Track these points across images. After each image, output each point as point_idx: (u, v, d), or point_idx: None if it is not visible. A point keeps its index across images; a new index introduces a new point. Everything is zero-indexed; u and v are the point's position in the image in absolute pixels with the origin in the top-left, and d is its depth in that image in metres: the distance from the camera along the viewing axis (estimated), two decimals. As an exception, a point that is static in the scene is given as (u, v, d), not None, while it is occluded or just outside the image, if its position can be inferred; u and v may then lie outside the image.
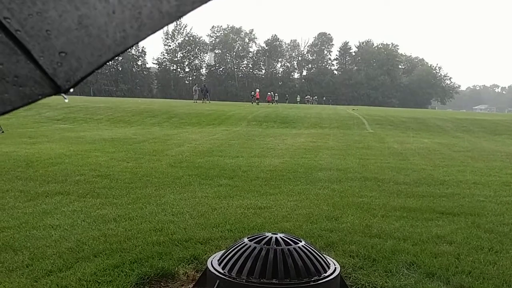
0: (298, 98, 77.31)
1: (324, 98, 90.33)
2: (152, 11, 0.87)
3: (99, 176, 7.51)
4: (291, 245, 2.87)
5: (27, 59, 0.91)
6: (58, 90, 0.97)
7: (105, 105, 29.63)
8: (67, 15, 0.87)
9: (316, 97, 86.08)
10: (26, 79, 0.95)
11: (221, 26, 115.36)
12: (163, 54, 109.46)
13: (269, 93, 56.49)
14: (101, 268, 3.56)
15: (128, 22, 0.88)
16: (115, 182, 7.06)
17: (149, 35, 0.90)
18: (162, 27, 0.90)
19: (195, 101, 46.44)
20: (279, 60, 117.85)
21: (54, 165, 8.49)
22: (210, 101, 47.31)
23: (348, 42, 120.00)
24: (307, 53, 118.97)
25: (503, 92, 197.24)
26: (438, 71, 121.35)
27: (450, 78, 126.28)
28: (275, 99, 61.05)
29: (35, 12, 0.85)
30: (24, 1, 0.84)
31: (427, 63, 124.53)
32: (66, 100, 1.10)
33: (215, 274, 2.79)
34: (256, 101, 49.99)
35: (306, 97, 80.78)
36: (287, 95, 77.78)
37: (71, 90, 0.99)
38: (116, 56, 0.93)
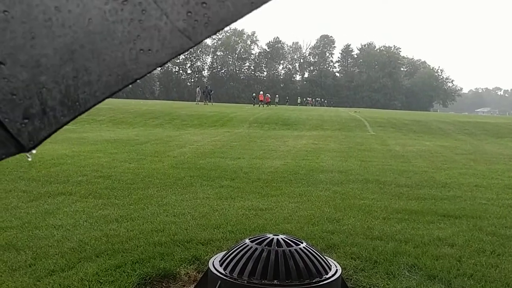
0: (299, 100, 77.18)
1: (326, 100, 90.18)
2: (111, 74, 0.94)
3: (101, 177, 7.53)
4: (292, 246, 2.87)
5: None
6: (22, 149, 0.99)
7: (107, 106, 29.66)
8: (31, 81, 0.90)
9: (318, 99, 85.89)
10: None
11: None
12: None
13: (267, 94, 56.05)
14: (103, 268, 3.57)
15: (88, 85, 0.93)
16: (117, 183, 7.07)
17: (108, 96, 0.97)
18: (120, 88, 0.97)
19: (197, 102, 46.49)
20: (281, 62, 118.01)
21: (57, 166, 8.51)
22: (213, 103, 47.29)
23: (350, 45, 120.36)
24: (309, 55, 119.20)
25: (506, 95, 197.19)
26: (440, 74, 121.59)
27: (452, 81, 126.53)
28: (276, 101, 60.65)
29: (2, 77, 0.88)
30: None
31: (429, 65, 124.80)
32: (30, 159, 1.12)
33: (217, 275, 2.79)
34: (260, 103, 49.89)
35: (305, 99, 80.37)
36: (287, 97, 77.37)
37: (34, 151, 1.02)
38: (79, 115, 0.97)
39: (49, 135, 0.99)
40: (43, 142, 1.01)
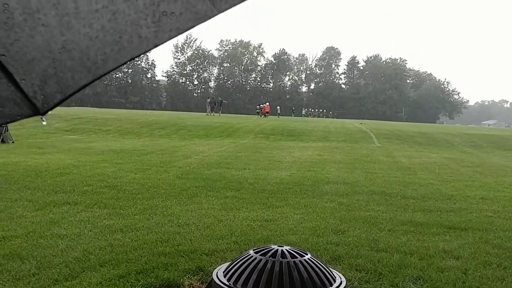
0: (304, 111, 76.89)
1: (331, 111, 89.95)
2: (132, 35, 0.89)
3: (107, 187, 7.55)
4: (297, 257, 2.86)
5: (9, 81, 0.93)
6: (37, 112, 0.99)
7: (114, 116, 29.84)
8: (52, 40, 0.89)
9: (321, 110, 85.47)
10: (7, 101, 0.97)
11: (229, 40, 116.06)
12: (173, 67, 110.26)
13: (266, 103, 55.22)
14: (107, 278, 3.57)
15: (109, 46, 0.90)
16: (122, 193, 7.09)
17: (128, 59, 0.92)
18: (141, 52, 0.92)
19: (207, 113, 46.61)
20: (287, 73, 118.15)
21: (62, 175, 8.55)
22: (220, 114, 47.25)
23: (356, 57, 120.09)
24: (315, 67, 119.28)
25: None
26: (446, 86, 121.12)
27: (458, 93, 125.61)
28: (278, 112, 59.06)
29: (22, 38, 0.88)
30: (12, 27, 0.86)
31: (435, 78, 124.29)
32: (44, 123, 1.11)
33: (221, 286, 2.78)
34: (265, 114, 49.99)
35: (306, 109, 79.50)
36: (293, 108, 76.59)
37: (49, 112, 1.01)
38: (96, 80, 0.95)
39: (65, 99, 0.97)
40: (58, 105, 0.99)
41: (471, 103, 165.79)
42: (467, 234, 5.33)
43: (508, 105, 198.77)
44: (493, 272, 4.01)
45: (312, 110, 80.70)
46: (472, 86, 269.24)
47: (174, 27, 0.90)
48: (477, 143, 23.66)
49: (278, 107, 63.56)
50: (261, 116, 50.00)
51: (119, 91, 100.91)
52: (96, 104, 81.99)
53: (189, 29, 0.92)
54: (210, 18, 0.91)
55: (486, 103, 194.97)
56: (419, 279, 3.78)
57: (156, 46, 0.92)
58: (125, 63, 0.95)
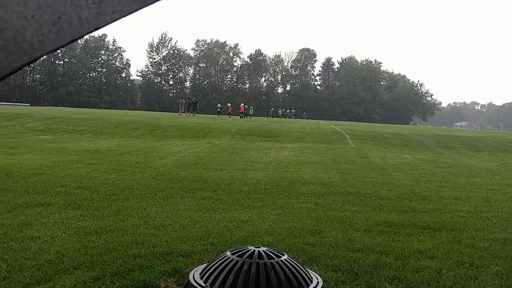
0: (280, 112, 77.23)
1: (305, 112, 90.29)
2: (72, 16, 0.87)
3: (81, 188, 7.42)
4: (273, 258, 2.86)
5: None
6: None
7: (88, 116, 29.38)
8: None
9: (293, 109, 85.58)
10: None
11: (205, 40, 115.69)
12: (148, 67, 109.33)
13: (242, 104, 55.20)
14: (81, 280, 3.50)
15: (46, 27, 0.85)
16: (96, 194, 6.97)
17: (68, 41, 0.89)
18: (81, 35, 0.89)
19: (180, 113, 46.44)
20: (263, 74, 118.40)
21: (35, 176, 8.36)
22: (194, 114, 47.08)
23: (331, 58, 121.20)
24: (290, 68, 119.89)
25: (483, 109, 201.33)
26: (419, 88, 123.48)
27: (431, 95, 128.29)
28: (250, 112, 57.35)
29: None
30: None
31: (408, 79, 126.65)
32: None
33: (197, 287, 2.76)
34: (240, 114, 50.23)
35: (276, 109, 79.72)
36: (267, 109, 76.39)
37: None
38: (33, 61, 0.91)
39: None
40: None
41: (444, 105, 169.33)
42: (441, 234, 5.42)
43: (479, 107, 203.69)
44: (466, 272, 4.09)
45: (284, 110, 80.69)
46: (445, 88, 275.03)
47: (117, 9, 0.86)
48: (449, 144, 24.12)
49: (251, 107, 62.90)
50: (241, 117, 49.98)
51: (92, 90, 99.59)
52: (69, 103, 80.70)
53: (133, 11, 0.88)
54: (156, 1, 0.88)
55: (458, 105, 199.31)
56: (395, 279, 3.82)
57: (97, 28, 0.87)
58: (65, 45, 0.91)
